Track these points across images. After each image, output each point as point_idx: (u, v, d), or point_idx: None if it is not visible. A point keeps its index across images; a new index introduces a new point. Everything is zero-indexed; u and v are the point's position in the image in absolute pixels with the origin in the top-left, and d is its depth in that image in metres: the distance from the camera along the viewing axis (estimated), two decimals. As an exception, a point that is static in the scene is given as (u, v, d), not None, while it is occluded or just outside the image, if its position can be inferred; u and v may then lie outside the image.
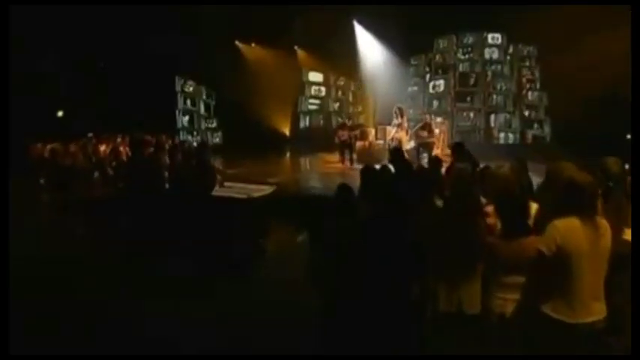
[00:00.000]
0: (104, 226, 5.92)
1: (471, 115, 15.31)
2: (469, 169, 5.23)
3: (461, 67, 15.53)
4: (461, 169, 4.82)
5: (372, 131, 12.65)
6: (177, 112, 15.83)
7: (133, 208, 5.59)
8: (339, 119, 18.87)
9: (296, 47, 18.26)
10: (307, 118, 18.98)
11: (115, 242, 5.35)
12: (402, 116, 11.57)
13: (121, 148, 9.20)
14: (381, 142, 12.29)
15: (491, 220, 3.46)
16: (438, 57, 15.96)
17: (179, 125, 15.81)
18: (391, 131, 12.20)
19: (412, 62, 16.71)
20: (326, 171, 11.05)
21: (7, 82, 3.79)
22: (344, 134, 11.77)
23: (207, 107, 16.77)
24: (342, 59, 17.36)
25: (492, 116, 15.15)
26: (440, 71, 15.90)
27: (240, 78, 16.05)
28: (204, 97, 16.65)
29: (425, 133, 10.92)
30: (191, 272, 4.58)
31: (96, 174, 8.46)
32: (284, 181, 9.52)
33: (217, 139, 17.02)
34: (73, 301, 4.11)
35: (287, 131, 18.84)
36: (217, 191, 5.63)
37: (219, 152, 14.70)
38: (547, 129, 14.62)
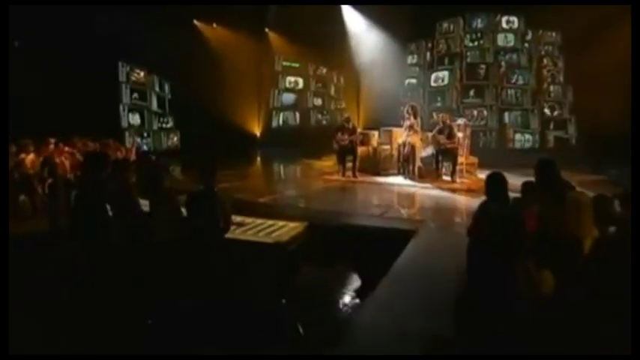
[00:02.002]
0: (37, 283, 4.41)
1: (481, 113, 14.53)
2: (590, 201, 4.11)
3: (469, 57, 14.71)
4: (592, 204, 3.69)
5: (375, 134, 11.51)
6: (121, 107, 14.02)
7: (94, 257, 4.13)
8: (319, 116, 17.86)
9: (267, 30, 16.96)
10: (281, 116, 17.74)
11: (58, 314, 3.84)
12: (415, 116, 10.63)
13: (57, 159, 7.56)
14: (386, 147, 11.19)
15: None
16: (441, 44, 15.13)
17: (124, 124, 14.01)
18: (399, 134, 11.21)
19: (410, 49, 15.80)
20: (327, 185, 9.77)
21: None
22: (344, 138, 10.55)
23: (160, 102, 15.03)
24: (324, 44, 16.21)
25: (506, 114, 14.40)
26: (444, 61, 15.08)
27: (201, 66, 14.62)
28: (156, 88, 14.91)
29: (444, 138, 9.89)
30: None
31: (22, 198, 6.82)
32: (281, 201, 8.21)
33: (173, 142, 15.36)
34: None
35: (257, 132, 17.50)
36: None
37: (178, 159, 13.21)
38: (572, 130, 13.98)
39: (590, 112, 12.88)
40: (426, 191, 9.09)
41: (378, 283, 4.59)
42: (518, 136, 14.36)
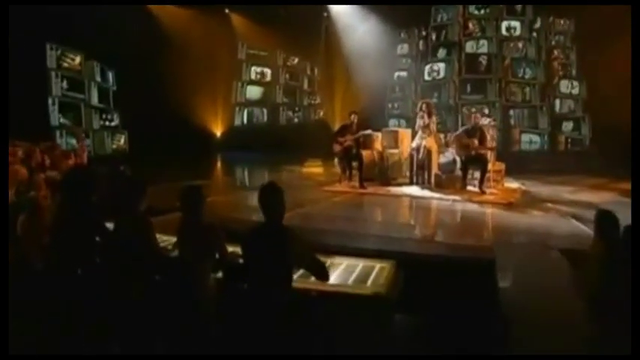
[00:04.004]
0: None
1: (483, 111, 14.03)
2: None
3: (469, 47, 14.22)
4: None
5: (379, 136, 10.57)
6: (50, 101, 12.25)
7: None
8: (290, 113, 16.99)
9: (228, 10, 15.79)
10: (245, 113, 16.65)
11: None
12: (429, 115, 9.75)
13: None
14: (394, 151, 10.27)
15: None
16: (437, 32, 14.63)
17: (54, 122, 12.25)
18: (405, 135, 10.41)
19: (401, 37, 15.30)
20: (336, 200, 8.64)
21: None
22: (346, 139, 9.53)
23: (103, 95, 13.36)
24: (296, 29, 15.35)
25: (511, 112, 14.02)
26: (440, 51, 14.57)
27: (152, 51, 13.29)
28: (97, 78, 13.23)
29: (475, 142, 9.01)
30: None
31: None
32: (295, 222, 6.98)
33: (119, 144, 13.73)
34: None
35: (217, 131, 16.25)
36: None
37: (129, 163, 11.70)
38: (585, 129, 13.75)
39: (605, 110, 12.65)
40: (460, 205, 8.19)
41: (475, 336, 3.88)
42: (525, 137, 13.95)
